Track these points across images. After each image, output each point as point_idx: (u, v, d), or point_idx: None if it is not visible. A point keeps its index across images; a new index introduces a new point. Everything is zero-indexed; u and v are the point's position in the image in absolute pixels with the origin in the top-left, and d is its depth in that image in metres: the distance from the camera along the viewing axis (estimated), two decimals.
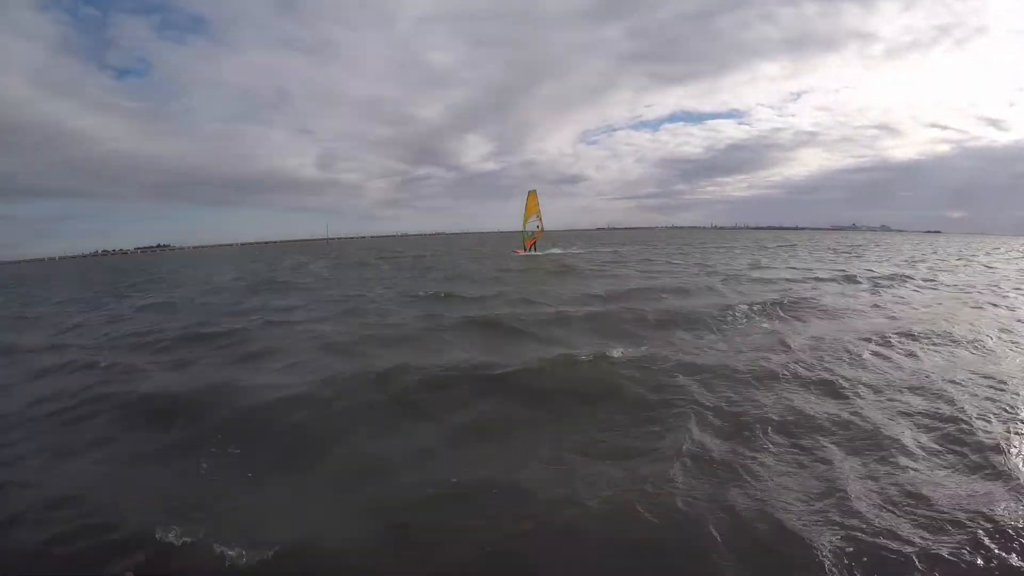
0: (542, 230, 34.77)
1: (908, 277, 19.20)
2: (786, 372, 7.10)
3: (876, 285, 16.78)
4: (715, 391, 6.39)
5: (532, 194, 34.26)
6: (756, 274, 20.79)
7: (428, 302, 14.53)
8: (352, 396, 6.61)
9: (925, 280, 18.62)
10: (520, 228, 34.91)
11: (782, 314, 11.47)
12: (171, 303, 17.55)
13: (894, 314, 11.60)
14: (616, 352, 7.95)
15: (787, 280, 18.29)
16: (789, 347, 8.45)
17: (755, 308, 11.86)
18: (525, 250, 34.54)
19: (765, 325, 10.43)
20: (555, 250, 38.01)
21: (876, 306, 12.70)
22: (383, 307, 13.83)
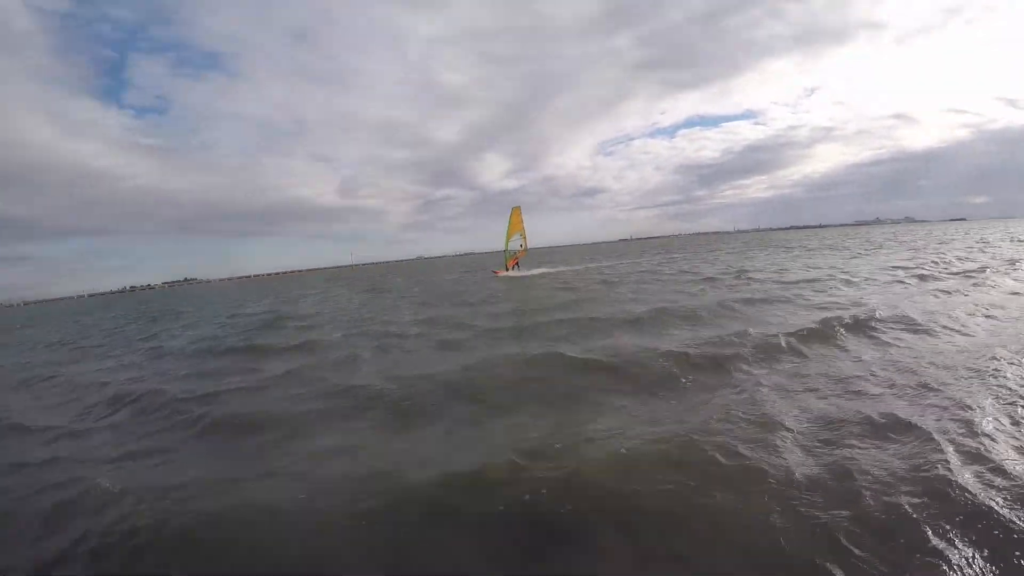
0: (525, 249, 33.29)
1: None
2: None
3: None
4: None
5: (516, 211, 32.96)
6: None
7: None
8: None
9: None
10: (510, 247, 32.90)
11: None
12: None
13: None
14: None
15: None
16: None
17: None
18: (507, 269, 32.74)
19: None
20: (542, 269, 35.67)
21: None
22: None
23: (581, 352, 8.13)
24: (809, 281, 16.47)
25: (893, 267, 19.49)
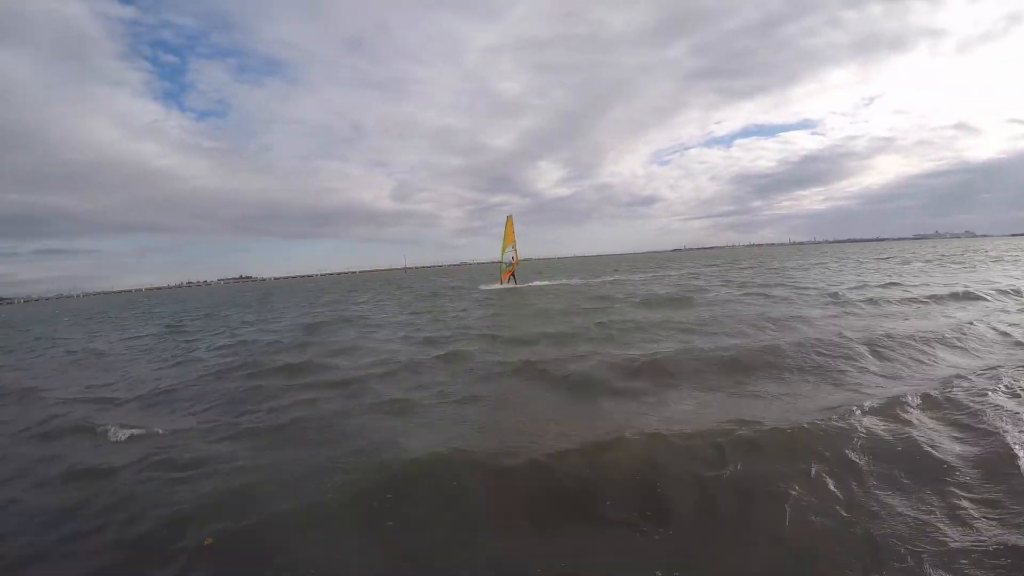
0: (517, 260, 31.06)
1: None
2: None
3: None
4: None
5: (509, 220, 30.90)
6: None
7: None
8: None
9: None
10: (504, 259, 31.00)
11: None
12: None
13: None
14: None
15: None
16: None
17: None
18: (501, 282, 30.97)
19: None
20: (539, 281, 33.57)
21: None
22: None
23: None
24: None
25: None
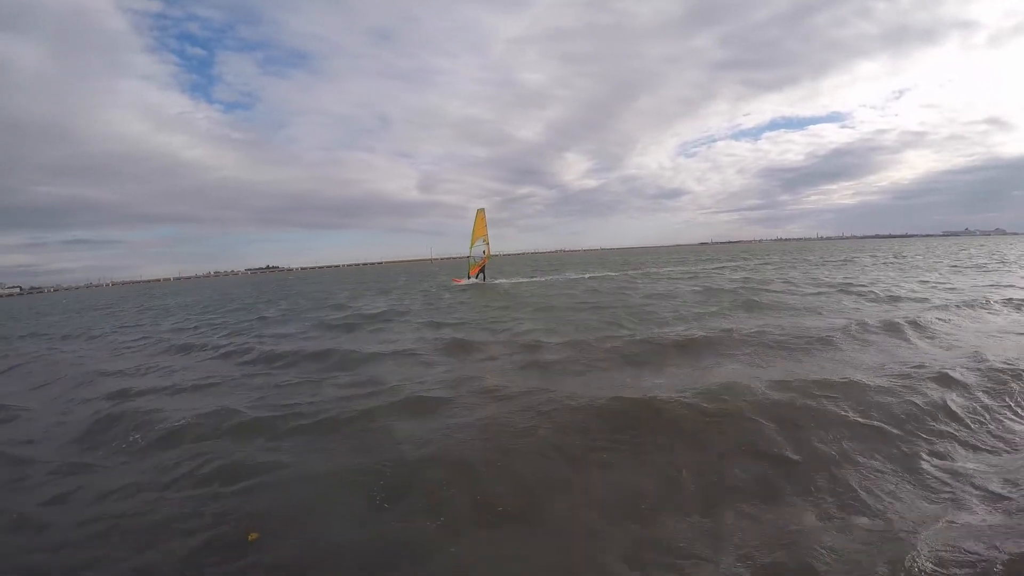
0: (488, 255, 29.08)
1: None
2: None
3: None
4: None
5: (480, 213, 28.80)
6: None
7: None
8: None
9: None
10: (472, 253, 29.29)
11: None
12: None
13: None
14: None
15: None
16: None
17: None
18: (469, 278, 29.65)
19: None
20: (501, 280, 31.69)
21: None
22: None
23: None
24: None
25: None
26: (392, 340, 11.50)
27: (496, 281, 30.44)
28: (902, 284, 17.44)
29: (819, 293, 15.67)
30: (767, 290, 17.17)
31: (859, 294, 14.85)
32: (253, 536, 3.63)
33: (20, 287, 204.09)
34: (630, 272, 34.35)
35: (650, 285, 22.48)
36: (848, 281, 18.93)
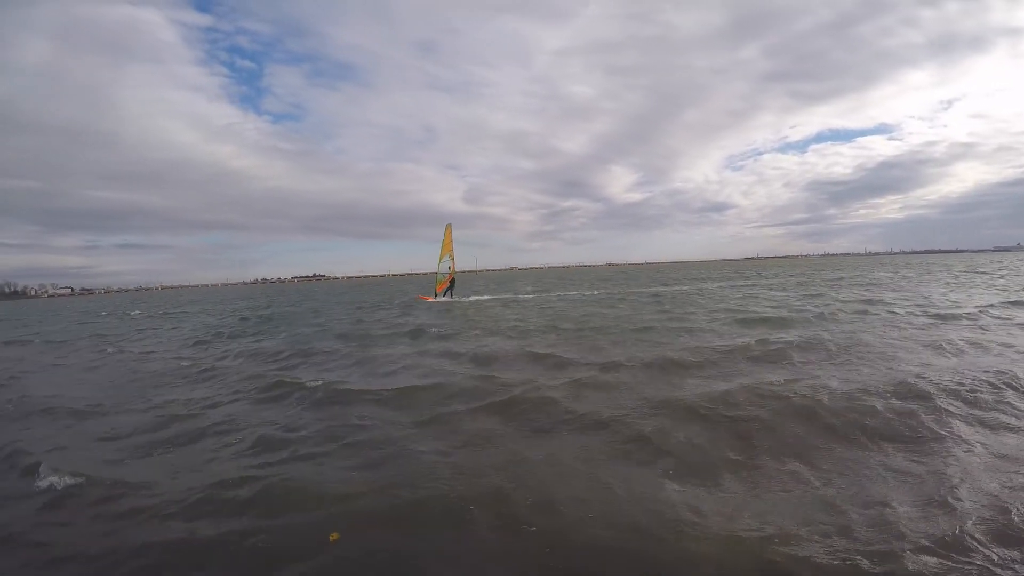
0: (453, 271, 28.47)
1: None
2: None
3: None
4: None
5: (448, 228, 28.32)
6: None
7: None
8: None
9: None
10: (440, 270, 28.73)
11: None
12: None
13: None
14: None
15: None
16: None
17: None
18: (436, 295, 28.85)
19: None
20: (476, 296, 31.32)
21: None
22: None
23: None
24: None
25: None
26: None
27: (468, 298, 29.78)
28: None
29: None
30: None
31: None
32: (334, 536, 3.74)
33: (72, 288, 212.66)
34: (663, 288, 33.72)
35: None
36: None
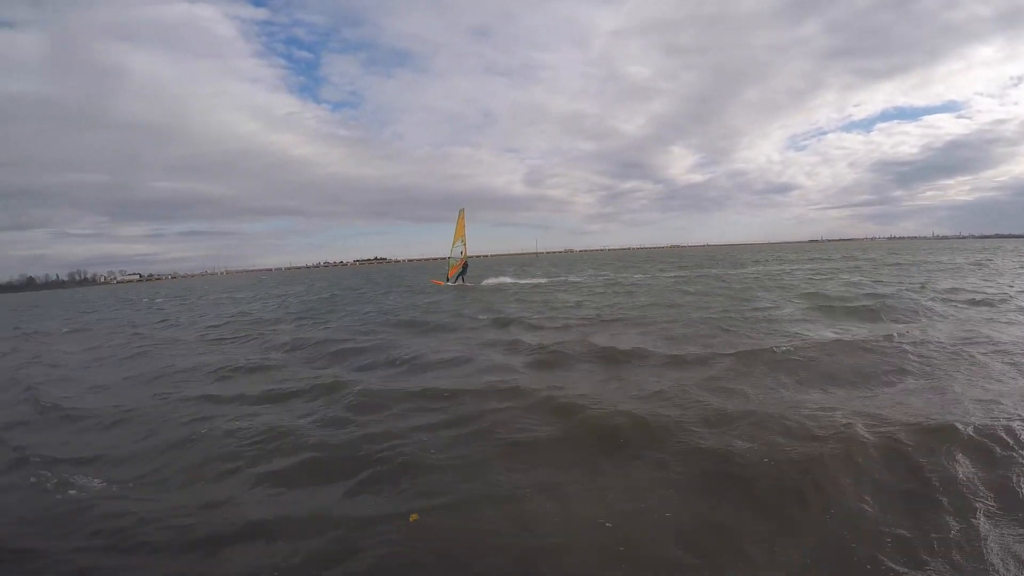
0: (465, 256, 28.44)
1: None
2: None
3: None
4: None
5: (461, 213, 28.41)
6: None
7: None
8: None
9: None
10: (452, 254, 28.99)
11: None
12: None
13: None
14: None
15: None
16: None
17: None
18: (447, 279, 29.07)
19: None
20: (505, 279, 30.80)
21: None
22: None
23: None
24: None
25: None
26: None
27: (488, 281, 29.97)
28: None
29: None
30: None
31: None
32: (414, 517, 3.76)
33: (139, 274, 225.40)
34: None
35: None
36: None
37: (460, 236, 28.13)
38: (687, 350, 8.52)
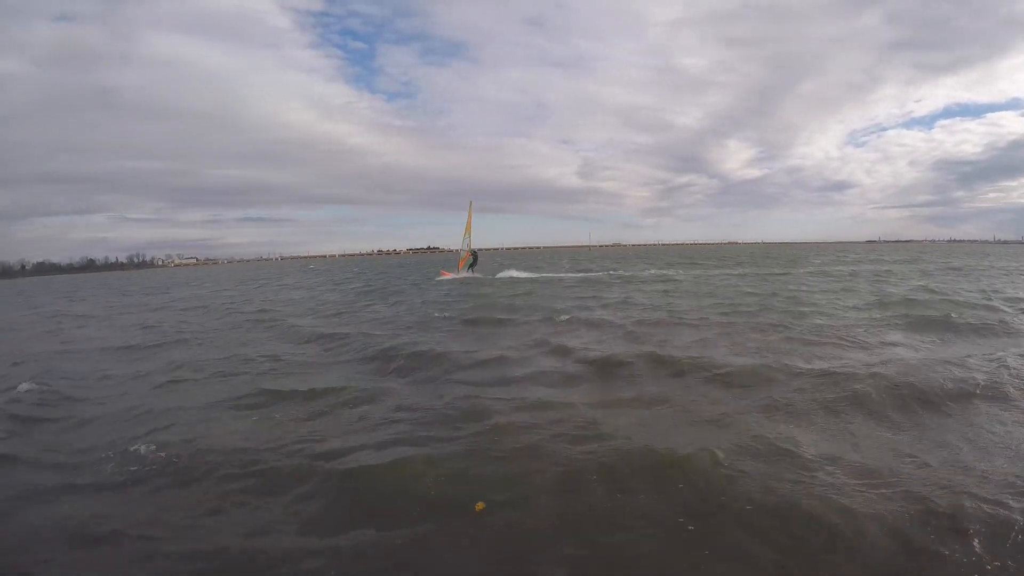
0: (470, 249, 29.61)
1: None
2: None
3: None
4: None
5: (470, 208, 29.66)
6: None
7: None
8: None
9: None
10: (463, 246, 30.00)
11: None
12: None
13: None
14: None
15: None
16: None
17: None
18: (457, 270, 29.70)
19: None
20: (513, 272, 30.74)
21: None
22: None
23: None
24: None
25: None
26: None
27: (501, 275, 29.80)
28: None
29: None
30: None
31: None
32: (480, 506, 3.79)
33: (196, 258, 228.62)
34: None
35: None
36: None
37: (468, 230, 29.24)
38: (757, 362, 7.46)
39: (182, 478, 4.51)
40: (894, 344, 8.88)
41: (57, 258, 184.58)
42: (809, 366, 7.17)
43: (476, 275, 28.80)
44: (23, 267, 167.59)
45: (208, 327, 14.38)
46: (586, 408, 5.90)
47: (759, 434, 4.85)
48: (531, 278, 27.80)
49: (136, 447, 5.09)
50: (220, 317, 16.89)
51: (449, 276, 29.32)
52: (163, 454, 4.94)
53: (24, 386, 7.63)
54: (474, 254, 29.81)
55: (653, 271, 31.58)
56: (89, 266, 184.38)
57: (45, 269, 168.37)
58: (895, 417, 5.39)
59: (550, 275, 29.94)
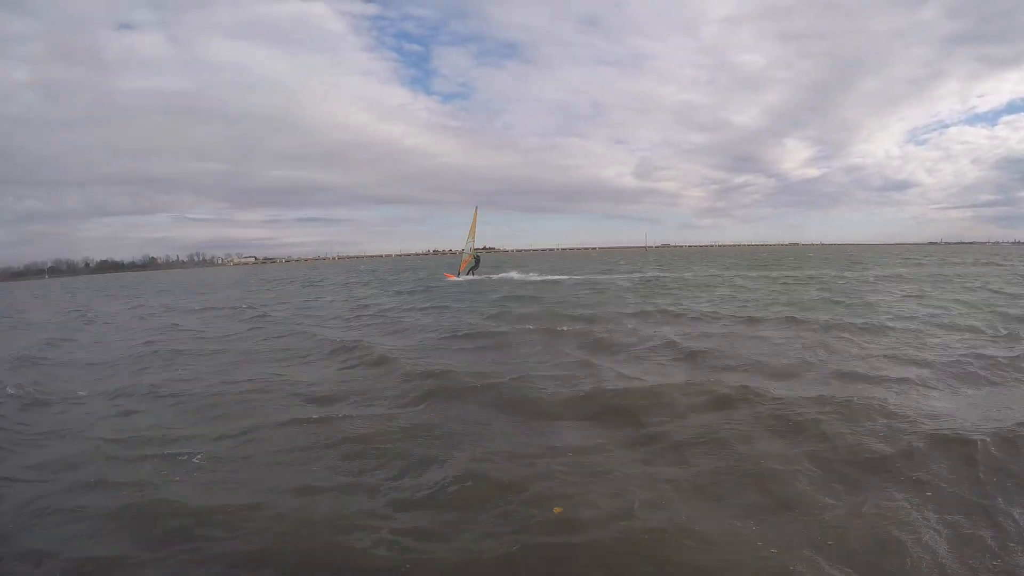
0: (472, 252, 30.34)
1: None
2: None
3: None
4: None
5: (475, 213, 30.48)
6: None
7: None
8: None
9: None
10: (465, 249, 30.78)
11: None
12: None
13: None
14: None
15: None
16: None
17: None
18: (459, 273, 30.08)
19: None
20: (514, 274, 31.13)
21: None
22: None
23: None
24: None
25: None
26: None
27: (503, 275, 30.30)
28: None
29: None
30: None
31: None
32: (558, 510, 3.74)
33: (255, 257, 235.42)
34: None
35: None
36: None
37: (472, 234, 30.05)
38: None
39: None
40: None
41: (120, 256, 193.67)
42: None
43: (478, 277, 29.31)
44: (87, 264, 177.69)
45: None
46: None
47: None
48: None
49: None
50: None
51: (453, 278, 29.54)
52: None
53: None
54: (476, 258, 30.57)
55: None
56: (150, 264, 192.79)
57: (108, 267, 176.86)
58: None
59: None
